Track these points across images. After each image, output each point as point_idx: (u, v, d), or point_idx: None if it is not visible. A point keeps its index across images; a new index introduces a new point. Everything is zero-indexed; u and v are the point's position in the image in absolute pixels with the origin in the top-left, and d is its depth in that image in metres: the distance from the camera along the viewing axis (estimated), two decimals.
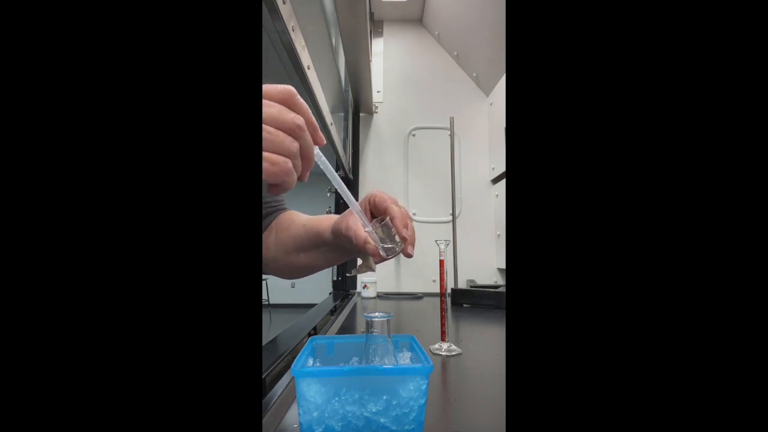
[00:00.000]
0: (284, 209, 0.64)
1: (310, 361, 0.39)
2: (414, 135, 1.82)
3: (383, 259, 0.44)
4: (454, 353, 0.65)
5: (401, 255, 0.44)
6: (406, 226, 0.44)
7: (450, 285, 1.46)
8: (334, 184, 0.39)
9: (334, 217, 0.52)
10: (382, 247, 0.43)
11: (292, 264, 0.58)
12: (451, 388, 0.50)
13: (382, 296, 1.56)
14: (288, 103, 0.32)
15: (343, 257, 0.55)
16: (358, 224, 0.45)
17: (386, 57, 1.87)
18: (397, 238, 0.44)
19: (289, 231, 0.58)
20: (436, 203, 1.76)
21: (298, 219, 0.59)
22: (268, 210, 0.62)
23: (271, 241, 0.59)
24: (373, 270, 0.46)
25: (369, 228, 0.43)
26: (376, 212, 0.47)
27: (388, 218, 0.44)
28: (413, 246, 0.45)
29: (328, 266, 0.58)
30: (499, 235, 1.69)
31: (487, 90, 1.79)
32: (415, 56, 1.87)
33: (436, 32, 1.84)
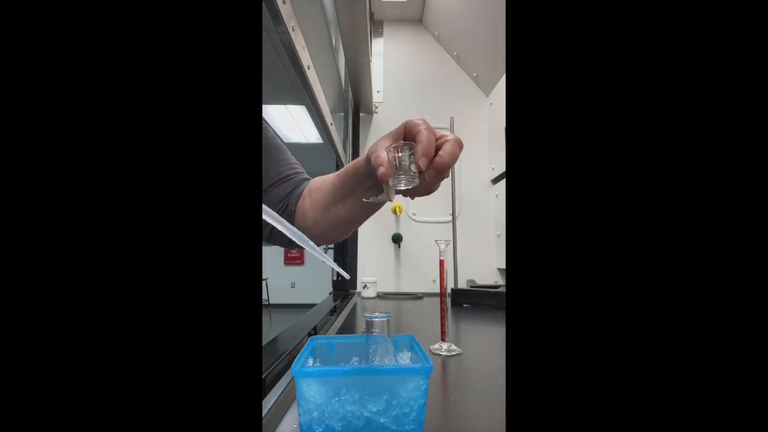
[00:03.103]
0: (308, 178, 0.63)
1: (310, 361, 0.39)
2: None
3: (402, 191, 0.40)
4: (454, 353, 0.65)
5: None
6: (428, 155, 0.36)
7: (450, 285, 1.46)
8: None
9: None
10: (396, 175, 0.38)
11: (332, 220, 0.55)
12: (451, 388, 0.50)
13: (382, 296, 1.56)
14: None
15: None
16: (383, 148, 0.40)
17: (386, 57, 1.87)
18: (413, 167, 0.38)
19: (323, 189, 0.56)
20: (436, 203, 1.75)
21: (330, 176, 0.57)
22: (293, 177, 0.61)
23: (308, 205, 0.58)
24: (391, 200, 0.41)
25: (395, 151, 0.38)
26: (409, 139, 0.41)
27: (412, 144, 0.38)
28: (438, 177, 0.37)
29: (368, 213, 0.55)
30: (499, 235, 1.69)
31: (487, 90, 1.79)
32: (415, 56, 1.87)
33: (436, 32, 1.84)
